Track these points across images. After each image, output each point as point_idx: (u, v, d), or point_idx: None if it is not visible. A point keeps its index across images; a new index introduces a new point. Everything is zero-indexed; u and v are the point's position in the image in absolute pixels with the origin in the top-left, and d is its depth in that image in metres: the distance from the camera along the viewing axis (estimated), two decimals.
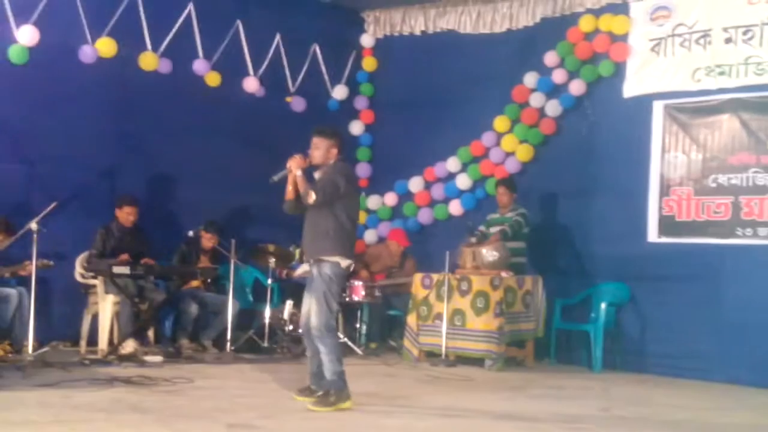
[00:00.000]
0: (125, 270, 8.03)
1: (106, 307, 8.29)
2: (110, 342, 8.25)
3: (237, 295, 8.97)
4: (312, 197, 6.02)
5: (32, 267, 7.30)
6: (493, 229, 9.21)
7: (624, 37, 9.34)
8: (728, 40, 8.60)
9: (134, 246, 8.52)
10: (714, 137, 8.72)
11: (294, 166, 6.13)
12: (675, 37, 8.98)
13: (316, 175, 6.29)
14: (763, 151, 8.37)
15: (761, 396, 7.69)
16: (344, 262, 6.18)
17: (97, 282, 8.36)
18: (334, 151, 6.26)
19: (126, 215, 8.54)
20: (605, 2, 9.46)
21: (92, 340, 8.41)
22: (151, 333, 8.64)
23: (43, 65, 8.45)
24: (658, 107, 9.06)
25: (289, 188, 6.24)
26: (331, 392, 6.06)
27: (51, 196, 7.73)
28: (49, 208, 7.39)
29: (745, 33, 8.51)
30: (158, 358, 7.89)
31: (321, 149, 6.22)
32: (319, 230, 6.14)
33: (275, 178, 6.25)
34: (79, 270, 8.61)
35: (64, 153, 8.62)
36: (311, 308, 6.14)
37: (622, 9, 9.36)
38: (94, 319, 8.45)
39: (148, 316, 8.37)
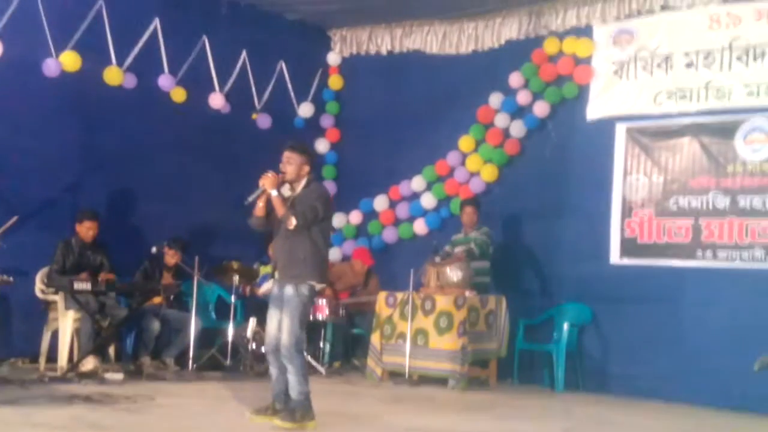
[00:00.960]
0: (86, 286, 7.94)
1: (66, 323, 8.17)
2: (70, 359, 8.13)
3: (200, 313, 8.91)
4: (292, 223, 5.96)
5: None
6: (459, 249, 9.24)
7: (587, 60, 9.47)
8: (689, 65, 8.75)
9: (94, 261, 8.44)
10: (675, 160, 8.84)
11: (268, 185, 6.05)
12: (637, 60, 9.11)
13: (286, 191, 6.21)
14: (723, 174, 8.51)
15: (721, 417, 7.78)
16: (319, 286, 6.20)
17: (58, 298, 8.25)
18: (307, 168, 6.21)
19: (86, 230, 8.44)
20: (569, 25, 9.59)
21: (52, 357, 8.27)
22: (112, 350, 8.55)
23: (5, 78, 8.32)
24: (620, 130, 9.19)
25: (260, 205, 6.15)
26: (297, 410, 6.02)
27: (12, 211, 7.68)
28: (9, 223, 7.32)
29: (705, 58, 8.66)
30: (119, 376, 7.79)
31: (293, 165, 6.15)
32: (297, 255, 6.08)
33: (250, 199, 6.12)
34: (39, 286, 8.49)
35: (25, 167, 8.52)
36: (284, 326, 6.03)
37: (586, 32, 9.49)
38: (54, 335, 8.32)
39: (109, 333, 8.27)
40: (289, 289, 6.08)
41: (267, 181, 6.05)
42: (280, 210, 6.02)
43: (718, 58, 8.59)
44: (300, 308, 6.05)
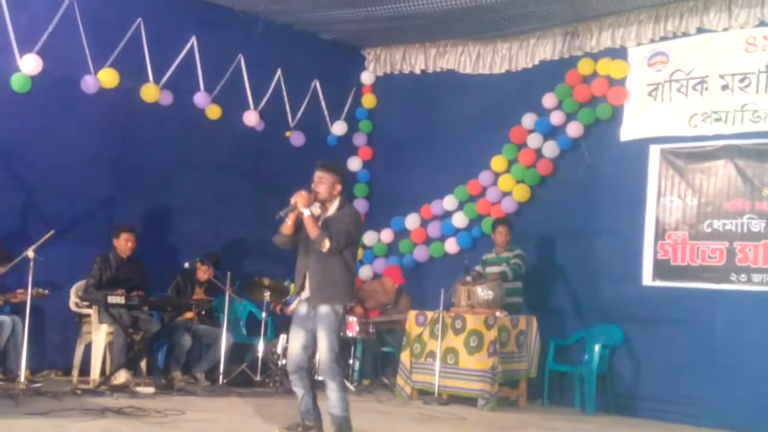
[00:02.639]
0: (120, 300, 8.02)
1: (99, 336, 8.27)
2: (102, 372, 8.22)
3: (231, 328, 8.97)
4: (326, 245, 5.88)
5: (26, 295, 7.29)
6: (490, 269, 9.24)
7: (622, 81, 9.44)
8: (725, 87, 8.69)
9: (131, 277, 8.52)
10: (709, 183, 8.77)
11: (301, 203, 5.93)
12: (672, 82, 9.07)
13: (316, 209, 6.07)
14: (758, 197, 8.43)
15: None
16: (349, 303, 6.20)
17: (92, 311, 8.34)
18: (339, 187, 6.12)
19: (125, 242, 8.54)
20: (603, 47, 9.56)
21: (85, 370, 8.37)
22: (143, 364, 8.61)
23: (45, 94, 8.51)
24: (654, 151, 9.13)
25: (288, 223, 6.05)
26: (343, 427, 5.99)
27: (49, 225, 7.77)
28: (46, 236, 7.39)
29: (741, 80, 8.60)
30: (150, 390, 7.86)
31: (326, 184, 6.06)
32: (330, 277, 6.00)
33: (282, 213, 6.02)
34: (73, 299, 8.59)
35: (63, 182, 8.67)
36: (322, 344, 5.93)
37: (621, 54, 9.46)
38: (87, 348, 8.42)
39: (141, 347, 8.34)
40: (324, 308, 5.98)
41: (301, 198, 5.94)
42: (313, 231, 5.92)
43: (754, 80, 8.52)
44: (336, 325, 5.97)
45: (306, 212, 5.93)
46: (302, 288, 6.13)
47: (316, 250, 5.97)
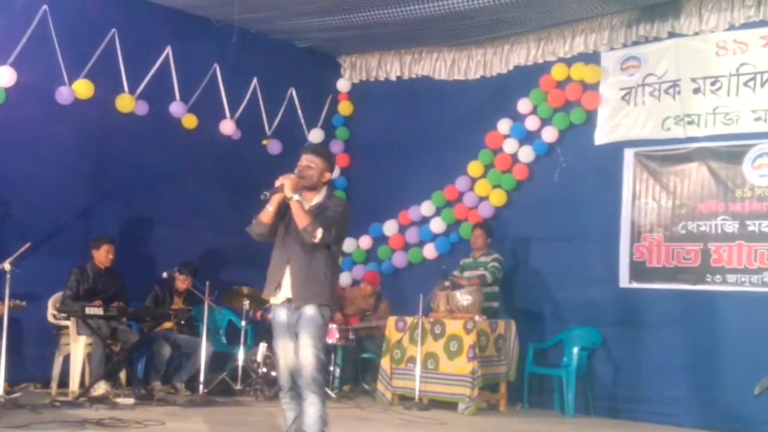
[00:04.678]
0: (98, 311, 8.00)
1: (78, 348, 8.24)
2: (82, 384, 8.18)
3: (210, 337, 8.95)
4: (318, 235, 5.07)
5: (3, 307, 7.26)
6: (468, 273, 9.29)
7: (595, 86, 9.52)
8: (696, 91, 8.78)
9: (109, 288, 8.50)
10: (683, 185, 8.86)
11: (289, 187, 5.15)
12: (645, 86, 9.15)
13: (298, 196, 5.24)
14: (731, 199, 8.52)
15: None
16: (333, 308, 5.43)
17: (70, 323, 8.31)
18: (328, 175, 5.40)
19: (105, 253, 8.52)
20: (577, 52, 9.64)
21: (63, 382, 8.33)
22: (122, 375, 8.58)
23: (19, 106, 8.47)
24: (628, 155, 9.22)
25: (270, 210, 5.23)
26: None
27: (24, 237, 7.74)
28: (22, 249, 7.38)
29: (713, 84, 8.70)
30: (130, 401, 7.83)
31: (315, 170, 5.32)
32: (317, 273, 5.22)
33: (267, 193, 5.22)
34: (51, 311, 8.55)
35: (38, 194, 8.63)
36: (307, 350, 5.10)
37: (594, 58, 9.54)
38: (66, 360, 8.38)
39: (120, 357, 8.31)
40: (309, 309, 5.17)
41: (289, 181, 5.17)
42: (303, 219, 5.11)
43: (726, 83, 8.61)
44: (323, 329, 5.22)
45: (295, 197, 5.16)
46: (278, 286, 5.28)
47: (302, 242, 5.19)
